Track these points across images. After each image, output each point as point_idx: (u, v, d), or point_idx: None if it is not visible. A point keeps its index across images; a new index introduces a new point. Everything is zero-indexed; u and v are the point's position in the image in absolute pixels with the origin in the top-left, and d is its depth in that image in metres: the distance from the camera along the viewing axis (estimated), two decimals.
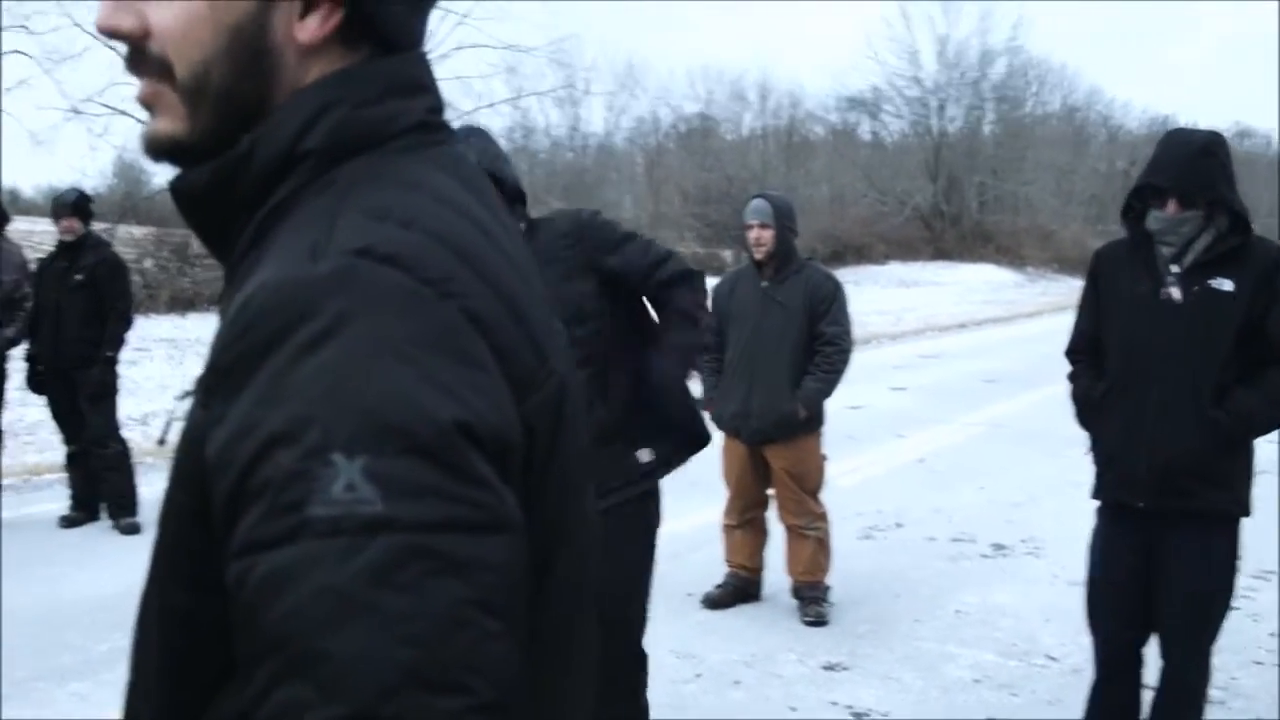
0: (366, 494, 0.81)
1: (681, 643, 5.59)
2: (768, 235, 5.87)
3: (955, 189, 43.51)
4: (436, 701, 0.79)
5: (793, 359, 5.88)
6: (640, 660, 3.97)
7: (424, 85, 1.08)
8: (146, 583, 1.03)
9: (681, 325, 3.66)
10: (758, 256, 5.94)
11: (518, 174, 3.65)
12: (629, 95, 48.20)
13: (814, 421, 5.98)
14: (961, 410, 12.43)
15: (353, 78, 1.01)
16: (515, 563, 0.87)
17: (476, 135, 3.60)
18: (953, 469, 9.51)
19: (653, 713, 4.71)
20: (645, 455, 3.68)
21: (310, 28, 1.00)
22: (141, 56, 1.03)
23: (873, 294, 29.42)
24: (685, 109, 47.28)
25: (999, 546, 7.26)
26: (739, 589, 6.20)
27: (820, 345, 5.88)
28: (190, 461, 0.92)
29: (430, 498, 0.82)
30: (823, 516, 6.07)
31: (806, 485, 6.02)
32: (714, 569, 6.34)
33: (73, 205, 7.62)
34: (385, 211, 0.93)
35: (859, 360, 16.73)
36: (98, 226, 20.55)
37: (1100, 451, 3.87)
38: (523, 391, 0.93)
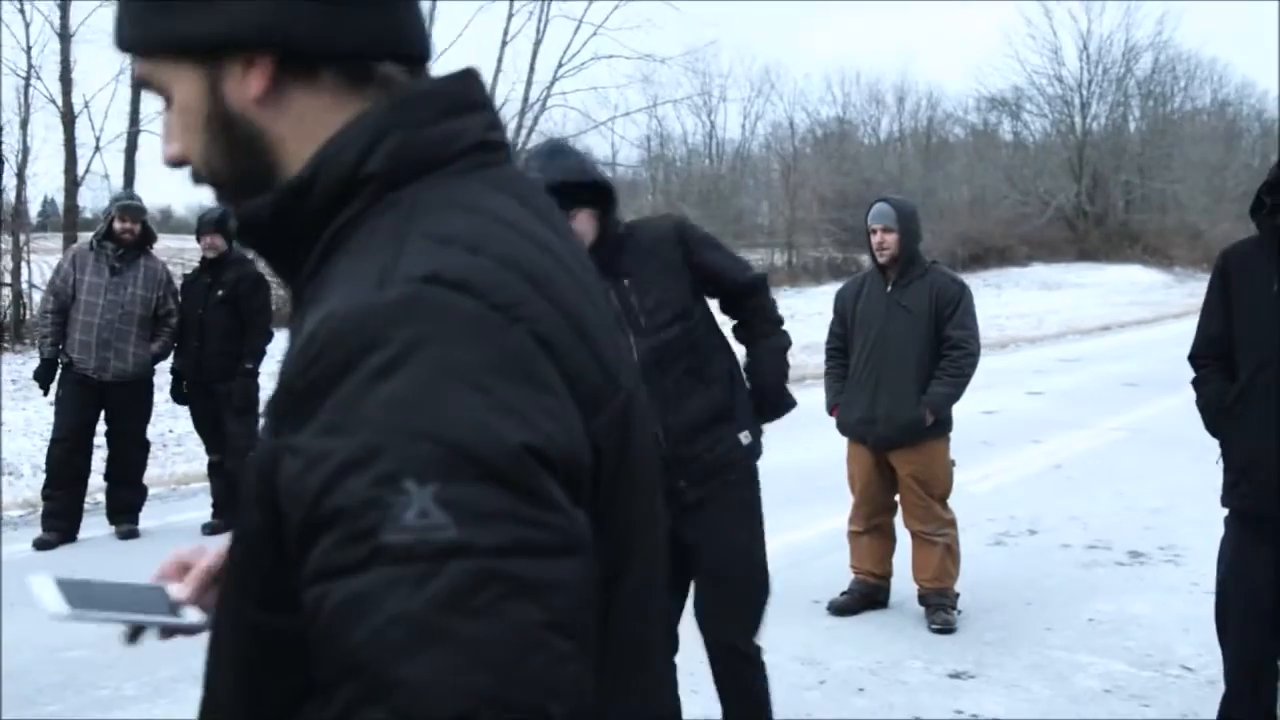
0: (439, 520, 0.83)
1: (806, 649, 5.58)
2: (891, 239, 5.84)
3: (1100, 188, 42.55)
4: None
5: (919, 364, 5.83)
6: (742, 654, 3.99)
7: (480, 103, 1.10)
8: (219, 601, 1.07)
9: (777, 329, 3.98)
10: (881, 260, 5.91)
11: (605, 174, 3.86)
12: (765, 101, 48.26)
13: (941, 426, 5.92)
14: (1100, 415, 12.15)
15: (409, 101, 1.04)
16: (586, 583, 0.88)
17: (559, 153, 3.73)
18: (1090, 475, 9.31)
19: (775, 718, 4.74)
20: (745, 437, 3.81)
21: (252, 84, 1.04)
22: (193, 174, 1.11)
23: (1014, 297, 28.93)
24: (822, 114, 47.09)
25: (1136, 554, 7.10)
26: (865, 595, 6.17)
27: (947, 349, 5.82)
28: (261, 483, 0.95)
29: (503, 522, 0.84)
30: (951, 523, 6.00)
31: (934, 491, 5.97)
32: (840, 575, 6.31)
33: (215, 223, 7.88)
34: (452, 236, 0.96)
35: (996, 364, 16.55)
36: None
37: (1233, 459, 3.77)
38: (591, 411, 0.94)
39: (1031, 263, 36.16)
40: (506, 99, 23.62)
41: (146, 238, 7.78)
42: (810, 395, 13.02)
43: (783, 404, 4.00)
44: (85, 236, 11.03)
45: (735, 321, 4.03)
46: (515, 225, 1.01)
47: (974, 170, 43.23)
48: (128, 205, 7.77)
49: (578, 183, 3.61)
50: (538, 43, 23.02)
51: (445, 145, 1.04)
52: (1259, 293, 3.66)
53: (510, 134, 20.05)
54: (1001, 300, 28.00)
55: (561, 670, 0.84)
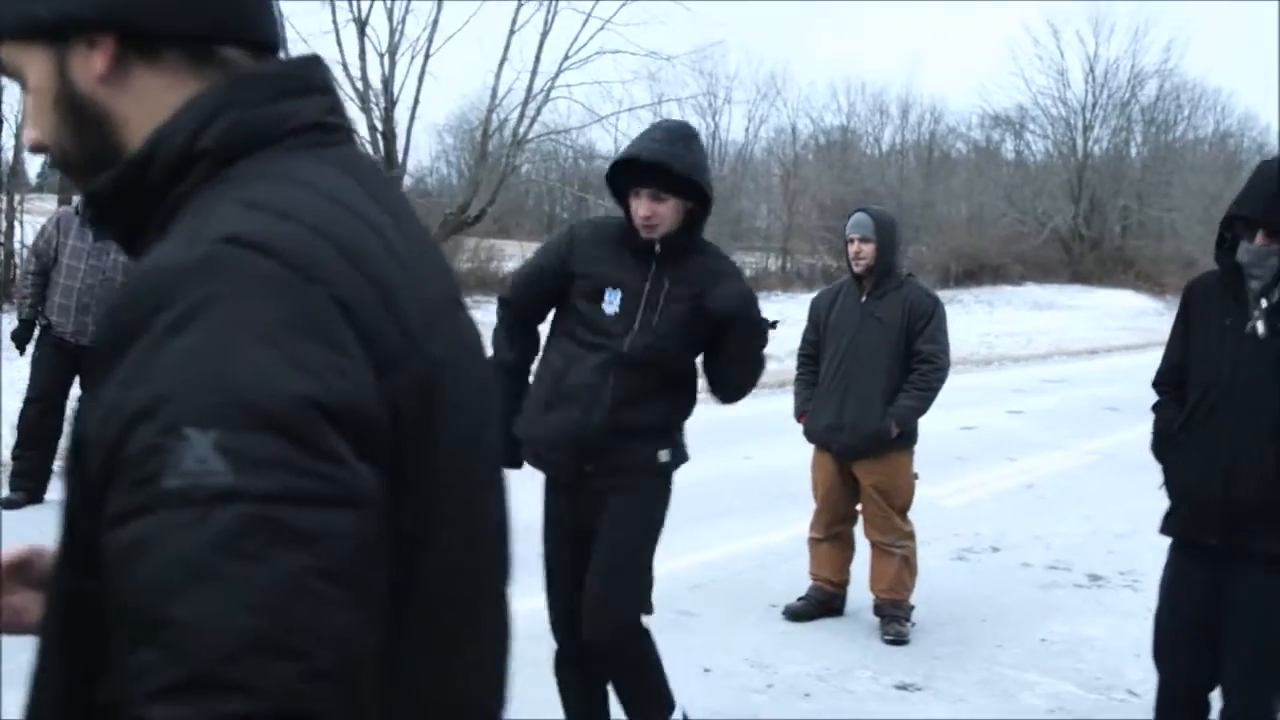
0: (217, 466, 0.85)
1: (757, 652, 5.61)
2: (868, 249, 5.86)
3: (1098, 212, 42.57)
4: (276, 667, 0.83)
5: (888, 375, 5.86)
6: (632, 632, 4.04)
7: (319, 87, 1.14)
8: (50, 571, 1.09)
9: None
10: (857, 270, 5.94)
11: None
12: (770, 105, 48.08)
13: (906, 439, 5.95)
14: (1078, 437, 12.21)
15: (244, 81, 1.09)
16: (366, 536, 0.90)
17: (684, 140, 3.82)
18: (1060, 496, 9.35)
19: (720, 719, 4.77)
20: (664, 455, 3.99)
21: (96, 64, 1.08)
22: (49, 157, 1.15)
23: (1006, 315, 28.97)
24: (826, 121, 47.08)
25: (1095, 577, 7.14)
26: (822, 602, 6.20)
27: (916, 363, 5.85)
28: (73, 440, 0.99)
29: (279, 470, 0.86)
30: (910, 535, 6.03)
31: (894, 502, 6.00)
32: (800, 581, 6.34)
33: None
34: (264, 203, 0.99)
35: (980, 381, 16.61)
36: None
37: (1171, 486, 3.81)
38: (388, 372, 0.96)
39: (1025, 282, 36.16)
40: (510, 88, 23.58)
41: None
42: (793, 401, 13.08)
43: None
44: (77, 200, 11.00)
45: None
46: (335, 197, 1.04)
47: (974, 186, 43.22)
48: None
49: (679, 174, 3.72)
50: (544, 34, 22.93)
51: (278, 124, 1.08)
52: (1211, 325, 3.70)
53: (512, 124, 19.92)
54: (993, 318, 28.04)
55: (331, 618, 0.86)
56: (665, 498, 4.06)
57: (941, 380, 5.90)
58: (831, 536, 6.20)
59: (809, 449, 6.27)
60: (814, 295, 6.57)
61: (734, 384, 4.09)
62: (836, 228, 36.31)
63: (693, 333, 3.91)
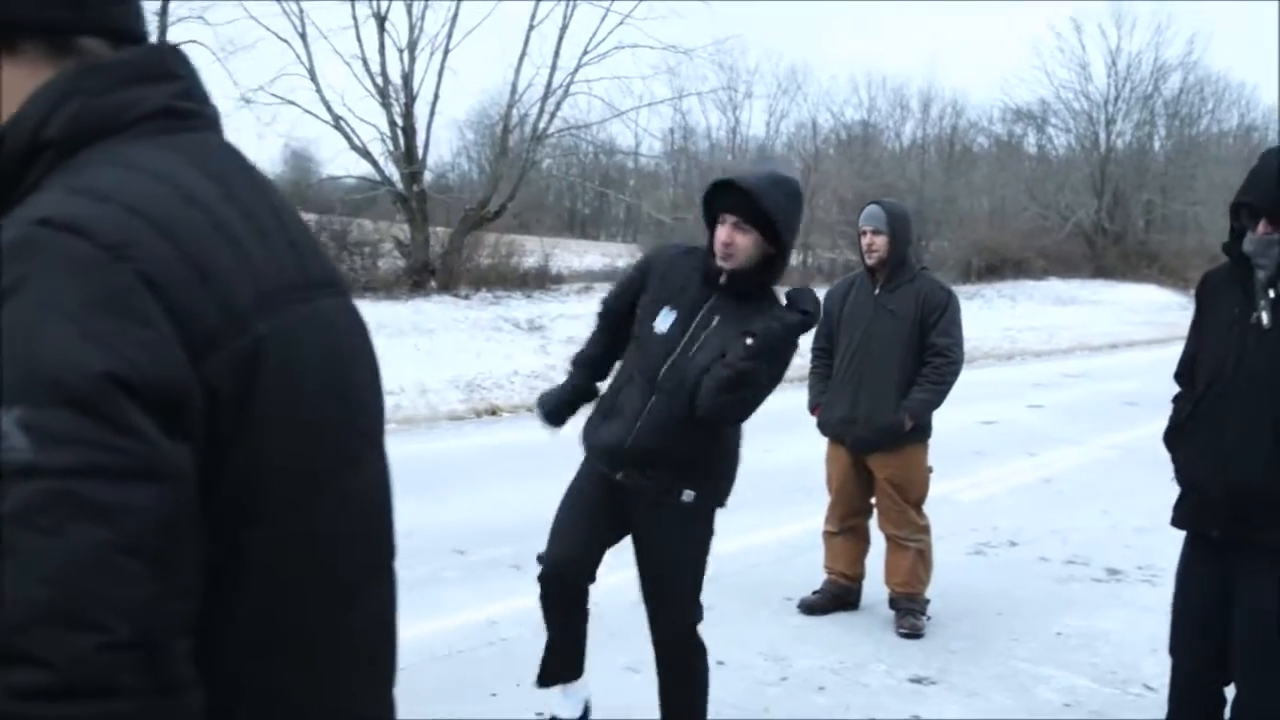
0: (18, 442, 0.86)
1: (772, 646, 5.60)
2: (880, 241, 5.84)
3: (1121, 206, 42.35)
4: (70, 638, 0.84)
5: (901, 368, 5.84)
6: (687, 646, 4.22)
7: (170, 74, 1.14)
8: None
9: None
10: (869, 263, 5.92)
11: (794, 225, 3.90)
12: (790, 100, 48.09)
13: (920, 432, 5.93)
14: (1097, 431, 12.15)
15: (89, 70, 1.08)
16: (170, 510, 0.91)
17: (773, 176, 3.85)
18: (1078, 490, 9.31)
19: (734, 712, 4.78)
20: (688, 495, 4.06)
21: None
22: None
23: (1027, 310, 28.81)
24: (847, 115, 47.01)
25: (1113, 571, 7.10)
26: (837, 596, 6.19)
27: (930, 356, 5.83)
28: None
29: (77, 445, 0.87)
30: (924, 529, 6.01)
31: (909, 496, 5.98)
32: (816, 575, 6.33)
33: None
34: (87, 188, 1.00)
35: (1000, 376, 16.55)
36: None
37: (1179, 477, 3.79)
38: (203, 349, 0.97)
39: (1047, 276, 35.98)
40: (530, 84, 23.60)
41: None
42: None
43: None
44: None
45: None
46: (166, 180, 1.05)
47: (996, 181, 43.10)
48: None
49: (763, 209, 3.74)
50: (563, 29, 22.94)
51: (124, 111, 1.08)
52: (1221, 316, 3.67)
53: (531, 119, 19.91)
54: (1015, 312, 27.89)
55: (130, 590, 0.87)
56: (693, 532, 4.13)
57: (955, 373, 5.88)
58: (846, 530, 6.18)
59: (825, 442, 6.25)
60: (828, 290, 6.54)
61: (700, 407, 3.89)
62: (857, 222, 36.33)
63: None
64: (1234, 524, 3.57)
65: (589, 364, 4.32)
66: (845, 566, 6.19)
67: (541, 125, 23.88)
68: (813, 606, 6.14)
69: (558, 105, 24.23)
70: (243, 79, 33.45)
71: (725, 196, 3.84)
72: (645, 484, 4.01)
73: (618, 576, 6.15)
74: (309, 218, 22.65)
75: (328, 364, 1.11)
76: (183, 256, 0.99)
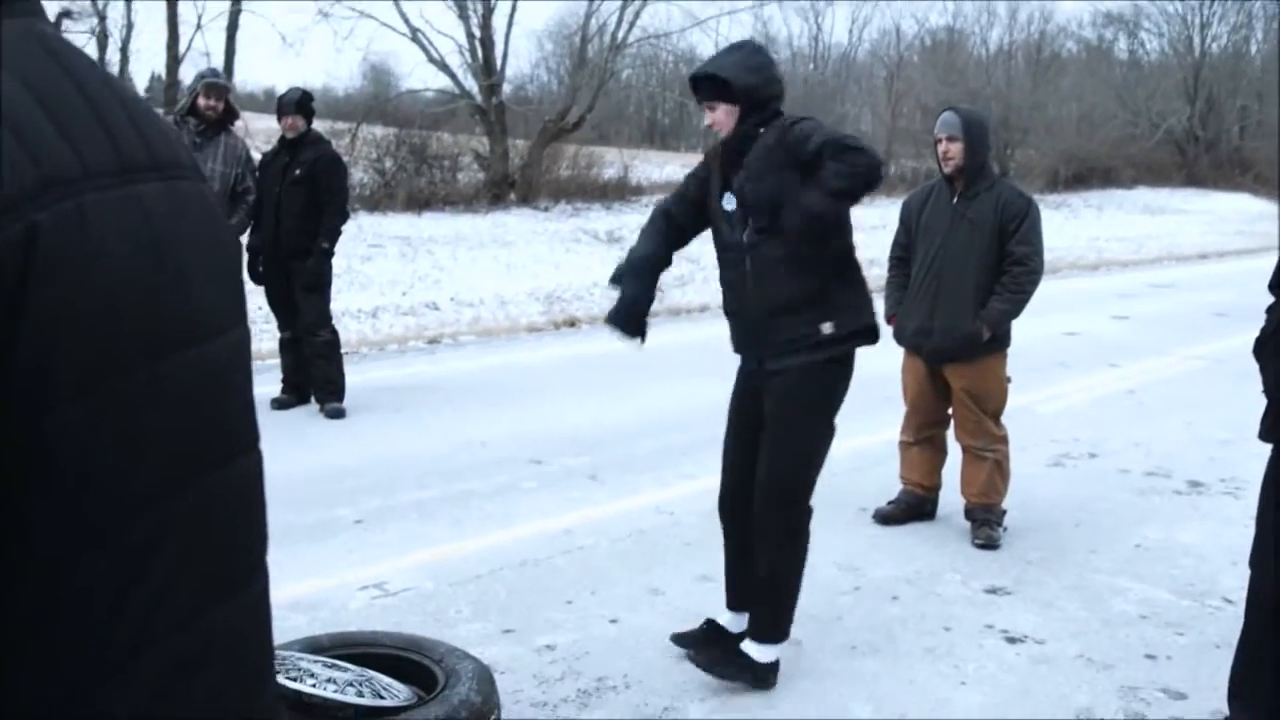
0: None
1: (846, 556, 5.62)
2: (956, 149, 5.74)
3: (1214, 113, 41.24)
4: None
5: (978, 278, 5.76)
6: (791, 533, 4.36)
7: None
8: None
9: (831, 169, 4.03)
10: (946, 170, 5.83)
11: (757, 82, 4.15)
12: (874, 7, 47.22)
13: (999, 342, 5.86)
14: (1183, 343, 11.94)
15: None
16: None
17: (731, 50, 4.24)
18: (1161, 402, 9.18)
19: (806, 621, 4.81)
20: (828, 327, 4.21)
21: None
22: None
23: (1115, 219, 28.29)
24: (931, 21, 46.12)
25: (1195, 484, 7.01)
26: (912, 506, 6.18)
27: (1009, 265, 5.74)
28: None
29: None
30: (1002, 439, 5.97)
31: (986, 407, 5.93)
32: (891, 486, 6.32)
33: (296, 104, 8.00)
34: None
35: (1085, 286, 16.33)
36: (342, 126, 21.35)
37: (1266, 388, 3.72)
38: None
39: (1136, 186, 35.26)
40: None
41: (230, 115, 7.88)
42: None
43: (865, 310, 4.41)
44: None
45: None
46: None
47: (1084, 87, 42.05)
48: (213, 83, 7.88)
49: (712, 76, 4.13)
50: None
51: None
52: None
53: (610, 29, 19.77)
54: (1102, 222, 27.40)
55: None
56: (828, 377, 4.30)
57: (1034, 282, 5.79)
58: (922, 440, 6.16)
59: (901, 352, 6.21)
60: (905, 198, 6.45)
61: (829, 188, 4.03)
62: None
63: (793, 189, 4.07)
64: None
65: (649, 264, 4.38)
66: (921, 477, 6.18)
67: (620, 34, 23.70)
68: (888, 516, 6.14)
69: (636, 14, 24.00)
70: None
71: (698, 89, 4.22)
72: (780, 337, 4.25)
73: (693, 485, 6.21)
74: (387, 131, 22.80)
75: (134, 249, 1.08)
76: None
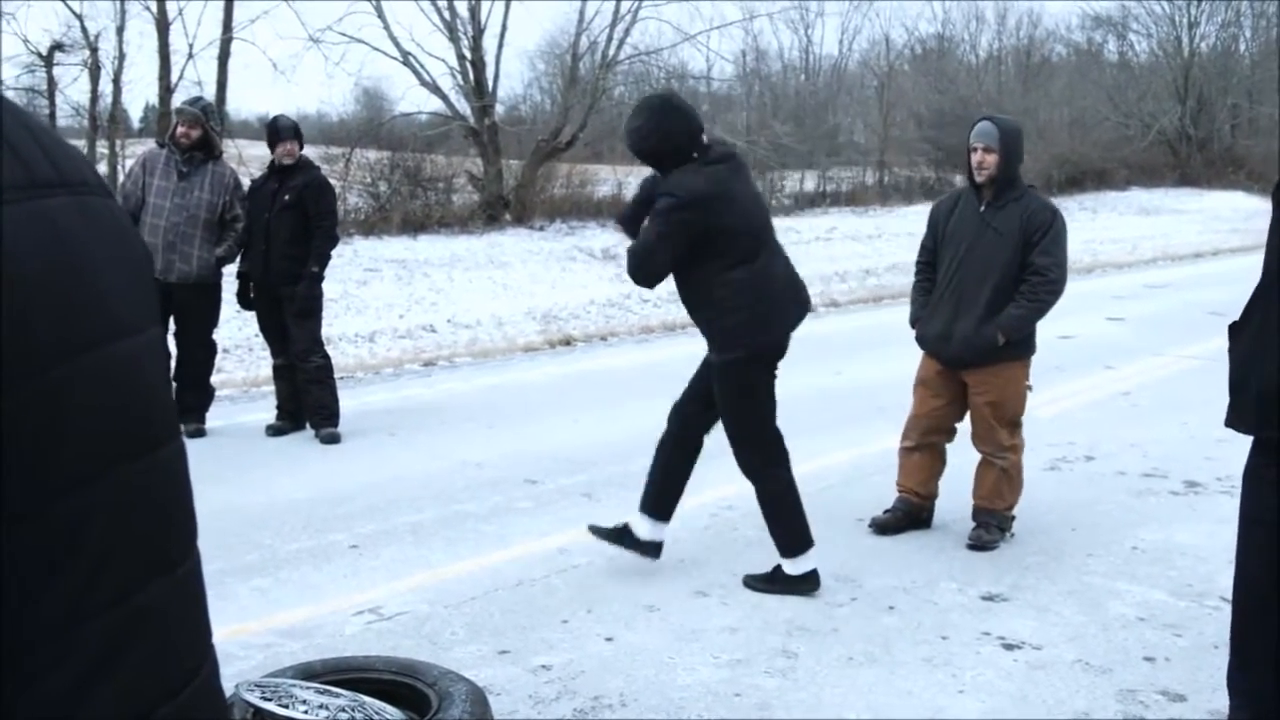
0: None
1: (842, 566, 5.61)
2: (991, 159, 5.74)
3: (1205, 111, 41.22)
4: None
5: (1000, 286, 5.76)
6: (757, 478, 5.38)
7: None
8: None
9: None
10: (978, 180, 5.82)
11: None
12: (863, 17, 47.32)
13: (1019, 350, 5.86)
14: (1178, 342, 11.94)
15: None
16: None
17: (634, 113, 5.27)
18: (1157, 403, 9.18)
19: (802, 634, 4.81)
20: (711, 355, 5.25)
21: None
22: None
23: (1110, 221, 28.29)
24: (921, 30, 46.19)
25: (1192, 484, 7.01)
26: (908, 514, 6.16)
27: (1029, 275, 5.74)
28: None
29: None
30: (1013, 448, 5.94)
31: (1002, 414, 5.91)
32: (887, 496, 6.31)
33: (294, 130, 8.05)
34: None
35: (1081, 289, 16.31)
36: (336, 151, 21.36)
37: (1229, 376, 3.69)
38: None
39: (1130, 187, 35.24)
40: (598, 11, 23.50)
41: (209, 143, 7.88)
42: (889, 314, 12.99)
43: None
44: None
45: None
46: None
47: (1075, 91, 42.06)
48: (183, 110, 7.95)
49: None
50: None
51: None
52: None
53: (600, 47, 19.78)
54: (1096, 224, 27.38)
55: None
56: (725, 387, 5.24)
57: (1054, 294, 5.78)
58: (924, 446, 6.13)
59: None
60: (929, 206, 6.44)
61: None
62: (934, 138, 35.86)
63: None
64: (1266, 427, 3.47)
65: None
66: (918, 484, 6.16)
67: (611, 52, 23.74)
68: (884, 525, 6.13)
69: (626, 31, 24.05)
70: (311, 19, 33.63)
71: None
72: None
73: (688, 502, 6.20)
74: (381, 155, 22.83)
75: (45, 255, 1.13)
76: None
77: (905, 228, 23.87)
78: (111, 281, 1.26)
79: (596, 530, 5.53)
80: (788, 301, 5.26)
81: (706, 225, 4.96)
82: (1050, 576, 5.51)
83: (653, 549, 5.47)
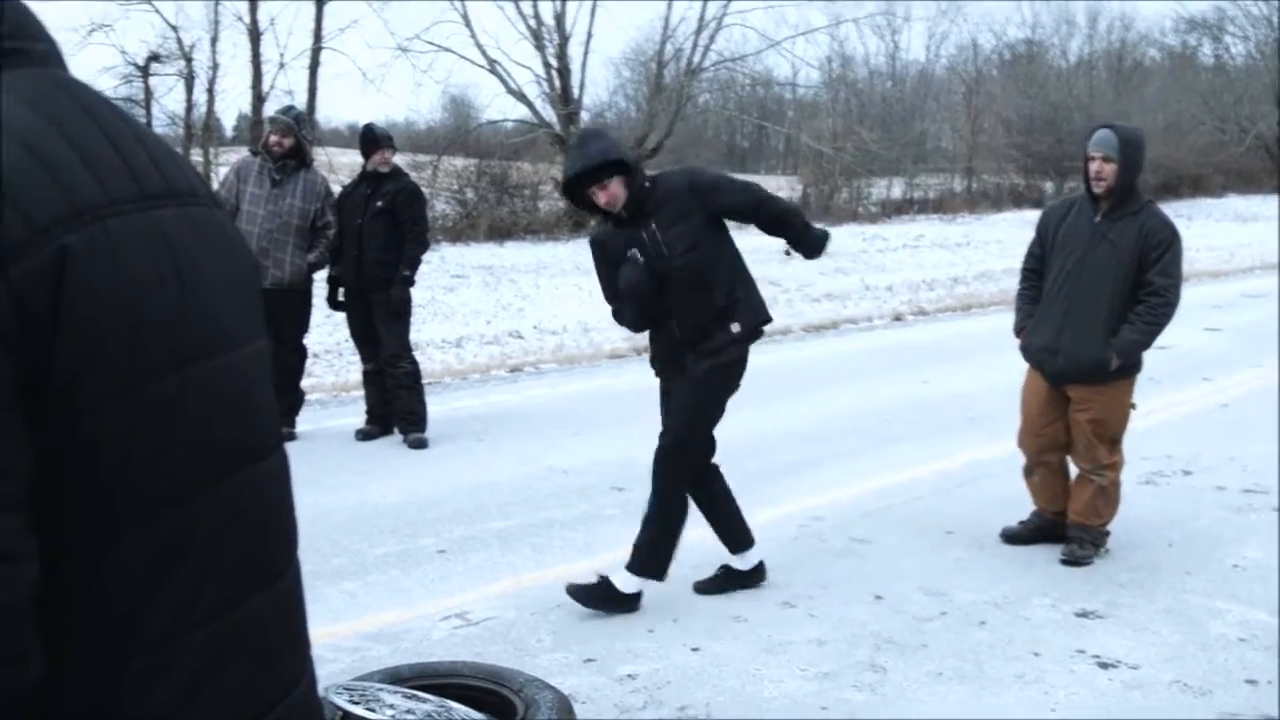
0: None
1: (931, 579, 5.53)
2: (1110, 169, 5.57)
3: None
4: None
5: (1111, 302, 5.61)
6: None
7: None
8: None
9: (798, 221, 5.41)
10: (1096, 190, 5.64)
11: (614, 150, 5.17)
12: (950, 22, 46.91)
13: (1128, 368, 5.73)
14: (1277, 354, 11.66)
15: None
16: None
17: (591, 139, 5.26)
18: (1257, 416, 8.94)
19: (890, 648, 4.75)
20: (735, 327, 5.15)
21: None
22: None
23: (1205, 229, 27.77)
24: (1009, 34, 45.65)
25: None
26: (1039, 529, 6.02)
27: (1145, 295, 5.59)
28: None
29: None
30: (1112, 465, 5.81)
31: (1102, 432, 5.78)
32: (977, 508, 6.24)
33: (389, 138, 8.16)
34: None
35: None
36: (424, 158, 21.58)
37: None
38: (6, 261, 1.04)
39: (1226, 193, 34.62)
40: (684, 18, 23.52)
41: (301, 151, 7.97)
42: (978, 323, 12.83)
43: (810, 239, 5.34)
44: None
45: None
46: None
47: (1169, 95, 41.35)
48: (276, 119, 8.09)
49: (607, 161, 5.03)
50: None
51: None
52: None
53: (686, 54, 19.82)
54: (1191, 232, 26.79)
55: None
56: (735, 366, 5.28)
57: (1169, 316, 5.65)
58: (1040, 465, 6.00)
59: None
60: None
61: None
62: (1023, 145, 35.43)
63: (691, 225, 5.10)
64: None
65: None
66: (1046, 502, 6.01)
67: (696, 59, 23.76)
68: (1013, 536, 6.01)
69: (712, 38, 24.09)
70: (399, 28, 34.01)
71: (585, 180, 5.08)
72: (706, 346, 5.19)
73: (774, 511, 6.15)
74: (468, 162, 23.00)
75: (156, 266, 1.17)
76: None
77: (994, 235, 23.59)
78: (219, 293, 1.27)
79: (701, 586, 5.47)
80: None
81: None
82: (1147, 594, 5.39)
83: (758, 574, 5.50)
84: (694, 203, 5.09)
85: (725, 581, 5.44)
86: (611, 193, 5.05)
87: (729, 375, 5.22)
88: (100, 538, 1.11)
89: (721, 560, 5.49)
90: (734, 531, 5.45)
